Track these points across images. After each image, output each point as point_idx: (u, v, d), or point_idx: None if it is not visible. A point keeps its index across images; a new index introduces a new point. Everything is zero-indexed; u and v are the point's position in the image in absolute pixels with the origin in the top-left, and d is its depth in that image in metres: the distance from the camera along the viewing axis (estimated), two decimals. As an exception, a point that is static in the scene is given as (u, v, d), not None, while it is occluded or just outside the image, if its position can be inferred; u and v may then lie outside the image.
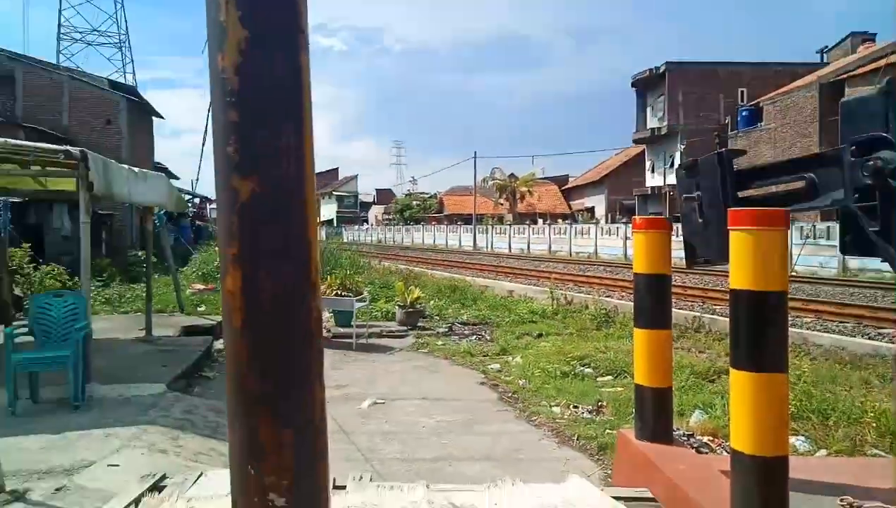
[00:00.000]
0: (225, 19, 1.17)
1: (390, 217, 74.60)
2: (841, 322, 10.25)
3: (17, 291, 11.19)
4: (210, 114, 1.25)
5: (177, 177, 28.64)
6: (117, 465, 4.12)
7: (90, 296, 7.45)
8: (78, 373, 5.52)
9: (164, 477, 3.21)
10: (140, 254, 16.39)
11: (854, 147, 2.53)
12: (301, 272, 1.18)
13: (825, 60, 37.48)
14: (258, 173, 1.16)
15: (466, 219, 52.78)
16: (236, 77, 1.16)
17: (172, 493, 2.92)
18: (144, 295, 10.04)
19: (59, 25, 55.80)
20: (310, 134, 1.24)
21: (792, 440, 4.60)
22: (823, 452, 4.46)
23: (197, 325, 10.22)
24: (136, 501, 2.88)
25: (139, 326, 9.48)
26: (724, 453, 3.84)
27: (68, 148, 6.33)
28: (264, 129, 1.17)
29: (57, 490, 3.74)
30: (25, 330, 5.94)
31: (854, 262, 19.52)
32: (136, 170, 8.00)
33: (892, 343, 8.24)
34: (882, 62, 25.06)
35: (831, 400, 5.25)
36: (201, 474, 3.21)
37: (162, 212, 11.20)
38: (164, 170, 28.63)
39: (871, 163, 2.42)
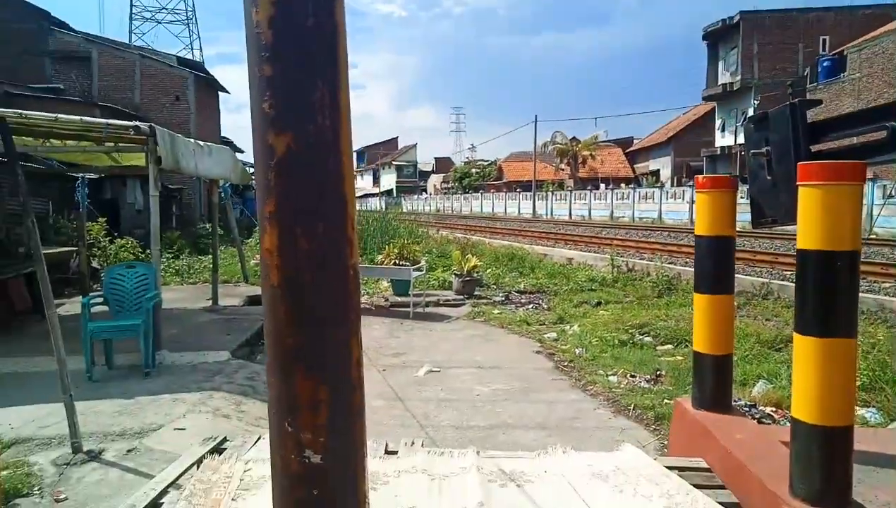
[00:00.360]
0: (259, -28, 1.15)
1: (449, 185, 74.59)
2: (924, 288, 9.63)
3: (95, 263, 11.81)
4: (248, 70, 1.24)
5: (241, 151, 29.43)
6: (183, 429, 4.32)
7: (160, 268, 7.79)
8: (148, 341, 5.80)
9: (224, 440, 3.34)
10: (208, 226, 16.97)
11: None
12: (337, 229, 1.16)
13: (921, 2, 34.62)
14: (293, 129, 1.14)
15: (526, 186, 52.14)
16: (270, 31, 1.15)
17: (231, 455, 3.04)
18: (211, 266, 10.43)
19: (132, 6, 57.95)
20: (345, 88, 1.22)
21: (863, 411, 4.38)
22: (897, 424, 4.22)
23: (260, 295, 10.53)
24: (198, 462, 3.01)
25: (206, 296, 9.87)
26: (788, 424, 3.69)
27: (138, 123, 6.56)
28: (299, 84, 1.15)
29: (129, 451, 3.96)
30: (101, 299, 6.25)
31: (941, 225, 18.27)
32: (201, 144, 8.24)
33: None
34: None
35: (909, 370, 4.96)
36: (259, 437, 3.33)
37: (227, 185, 11.54)
38: (230, 143, 29.47)
39: (961, 109, 2.21)
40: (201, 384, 5.40)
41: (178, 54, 29.75)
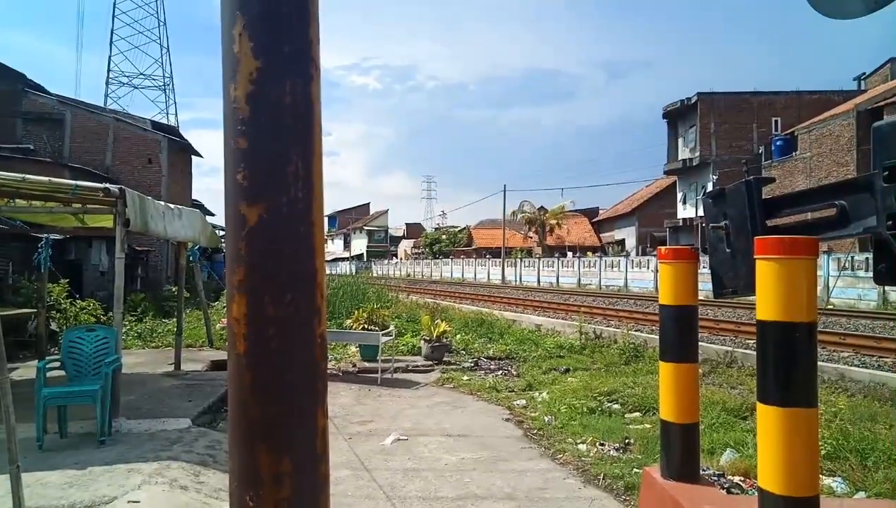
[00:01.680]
0: (238, 50, 1.20)
1: (419, 250, 74.96)
2: (881, 356, 9.88)
3: (54, 326, 11.45)
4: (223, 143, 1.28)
5: (213, 214, 29.33)
6: (138, 501, 4.13)
7: (122, 331, 7.59)
8: (105, 408, 5.59)
9: (183, 511, 3.20)
10: (174, 288, 16.68)
11: (886, 172, 2.45)
12: (307, 299, 1.17)
13: (863, 87, 36.98)
14: (266, 200, 1.17)
15: (496, 253, 52.72)
16: (247, 106, 1.19)
17: (190, 527, 2.90)
18: (175, 329, 10.19)
19: (108, 70, 58.59)
20: (319, 161, 1.26)
21: (828, 481, 4.40)
22: (862, 494, 4.24)
23: (225, 360, 10.26)
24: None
25: (169, 360, 9.60)
26: (755, 493, 3.68)
27: (108, 185, 6.54)
28: (273, 157, 1.18)
29: (78, 523, 3.75)
30: (58, 363, 6.04)
31: (895, 294, 18.91)
32: (171, 206, 8.21)
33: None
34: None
35: (870, 440, 5.02)
36: (220, 509, 3.19)
37: (196, 248, 11.44)
38: (201, 206, 29.40)
39: (905, 188, 2.34)
40: (159, 453, 5.19)
41: (152, 118, 29.96)
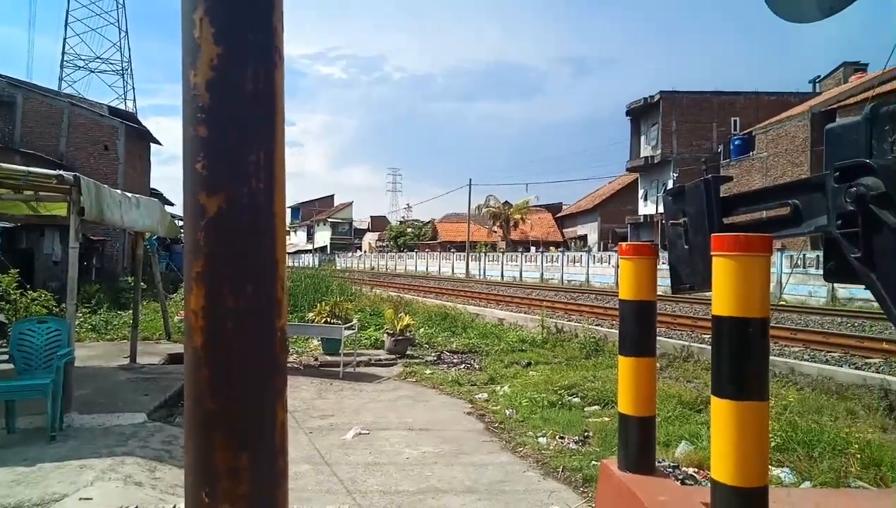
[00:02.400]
0: (199, 36, 1.17)
1: (384, 244, 74.66)
2: (828, 351, 10.25)
3: (2, 317, 11.05)
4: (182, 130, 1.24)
5: (172, 203, 28.68)
6: (90, 498, 4.02)
7: (75, 323, 7.37)
8: (57, 402, 5.42)
9: (137, 508, 3.13)
10: (130, 279, 16.26)
11: (837, 173, 2.53)
12: (267, 291, 1.16)
13: (817, 90, 38.17)
14: (226, 190, 1.14)
15: (460, 247, 52.85)
16: (207, 93, 1.16)
17: (145, 524, 2.84)
18: (131, 321, 9.94)
19: (63, 53, 56.55)
20: (281, 151, 1.24)
21: (777, 471, 4.55)
22: (808, 484, 4.40)
23: (182, 353, 10.08)
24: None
25: (124, 353, 9.37)
26: (709, 484, 3.78)
27: (61, 172, 6.33)
28: (234, 146, 1.16)
29: (27, 522, 3.64)
30: (6, 357, 5.84)
31: (843, 291, 19.63)
32: (129, 195, 7.99)
33: (879, 373, 8.22)
34: (872, 92, 25.54)
35: (817, 431, 5.22)
36: (174, 507, 3.13)
37: (154, 238, 11.16)
38: (159, 195, 28.70)
39: (854, 189, 2.41)
40: (113, 448, 5.06)
41: (110, 104, 29.09)
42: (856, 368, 8.74)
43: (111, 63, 58.00)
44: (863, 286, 2.53)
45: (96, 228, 17.87)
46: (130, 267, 19.04)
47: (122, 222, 7.62)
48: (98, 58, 57.63)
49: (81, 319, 12.75)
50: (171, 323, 11.87)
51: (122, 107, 43.42)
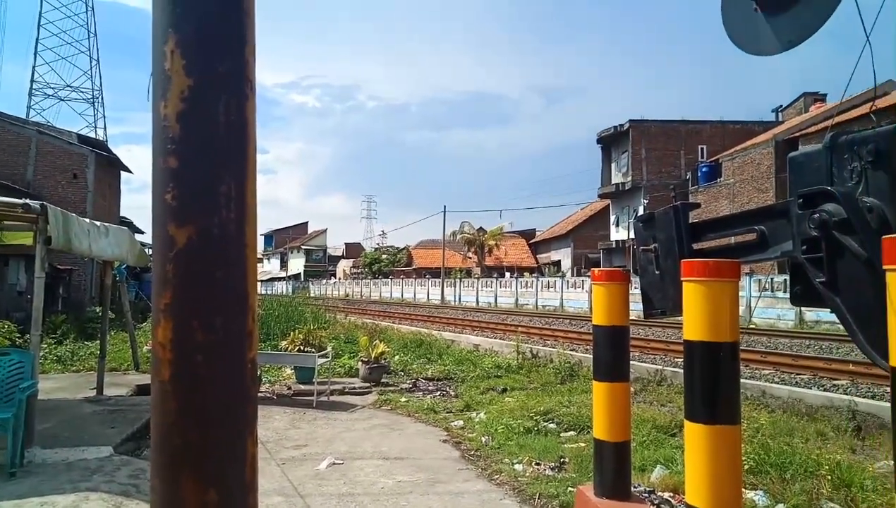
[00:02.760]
0: (170, 67, 1.17)
1: (359, 270, 74.30)
2: (798, 373, 10.42)
3: (-38, 348, 10.70)
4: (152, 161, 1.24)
5: (142, 232, 28.23)
6: (54, 535, 3.87)
7: (39, 354, 7.16)
8: (18, 437, 5.24)
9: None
10: (98, 309, 15.90)
11: (801, 200, 2.60)
12: (237, 323, 1.14)
13: (780, 119, 39.37)
14: (196, 221, 1.14)
15: (435, 273, 52.85)
16: (178, 124, 1.16)
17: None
18: (98, 352, 9.70)
19: (32, 81, 55.81)
20: (253, 182, 1.23)
21: (751, 494, 4.58)
22: (781, 506, 4.44)
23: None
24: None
25: (91, 385, 9.11)
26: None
27: (27, 201, 6.21)
28: (204, 177, 1.16)
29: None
30: (-35, 389, 5.64)
31: (810, 314, 20.02)
32: (97, 223, 7.86)
33: (846, 394, 8.37)
34: (832, 121, 26.41)
35: (788, 453, 5.27)
36: (143, 541, 3.04)
37: (123, 267, 10.96)
38: (130, 224, 28.29)
39: (817, 215, 2.48)
40: (77, 484, 4.89)
41: (79, 132, 28.69)
42: (824, 390, 8.89)
43: (81, 91, 57.41)
44: (828, 309, 2.59)
45: (63, 257, 17.50)
46: (98, 297, 18.64)
47: (90, 251, 7.48)
48: (68, 86, 57.04)
49: (46, 350, 12.39)
50: (140, 353, 11.61)
51: (92, 134, 42.84)
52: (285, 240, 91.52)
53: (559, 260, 52.83)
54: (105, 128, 56.77)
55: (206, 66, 1.15)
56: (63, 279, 19.68)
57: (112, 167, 26.16)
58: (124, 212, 29.59)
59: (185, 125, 1.15)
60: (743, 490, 3.95)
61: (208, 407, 1.08)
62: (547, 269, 50.64)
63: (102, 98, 59.02)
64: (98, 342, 10.81)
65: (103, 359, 9.25)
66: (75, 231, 6.66)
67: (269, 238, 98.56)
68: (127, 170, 27.96)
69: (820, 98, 36.85)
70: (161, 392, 1.09)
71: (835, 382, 9.56)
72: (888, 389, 8.06)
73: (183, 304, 1.11)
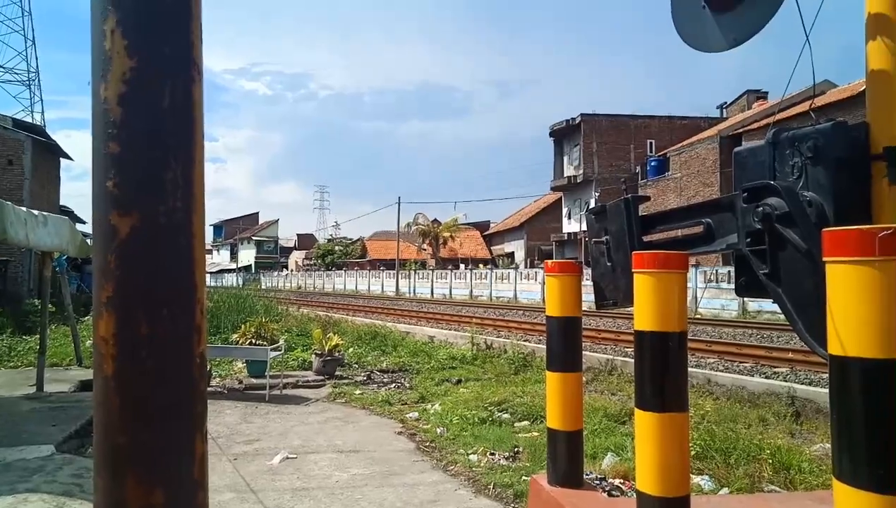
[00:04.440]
0: (110, 48, 1.12)
1: (312, 262, 73.40)
2: (741, 362, 10.80)
3: None
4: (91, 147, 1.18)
5: (83, 221, 27.17)
6: (-11, 538, 3.71)
7: (-28, 349, 6.82)
8: (-50, 435, 4.99)
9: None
10: (37, 302, 15.25)
11: (746, 194, 2.67)
12: (185, 316, 1.10)
13: (724, 115, 40.60)
14: (140, 209, 1.09)
15: (390, 265, 52.66)
16: (119, 108, 1.10)
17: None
18: (38, 347, 9.31)
19: (-38, 61, 52.80)
20: (200, 169, 1.19)
21: (697, 479, 4.73)
22: (726, 490, 4.60)
23: (95, 379, 9.53)
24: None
25: (30, 381, 8.74)
26: (634, 495, 3.88)
27: (-46, 188, 5.88)
28: (149, 163, 1.11)
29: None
30: None
31: (753, 305, 20.77)
32: (35, 212, 7.53)
33: (786, 381, 8.73)
34: (773, 118, 27.33)
35: (732, 439, 5.46)
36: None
37: (63, 258, 10.54)
38: (70, 213, 27.21)
39: (761, 208, 2.56)
40: (14, 485, 4.69)
41: (14, 116, 27.36)
42: (766, 377, 9.25)
43: (16, 73, 54.58)
44: (771, 300, 2.68)
45: (-1, 248, 16.73)
46: (37, 290, 17.88)
47: (27, 241, 7.16)
48: (1, 67, 54.20)
49: (-20, 346, 11.84)
50: (83, 348, 11.19)
51: (28, 119, 40.92)
52: (235, 230, 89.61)
53: (513, 252, 53.35)
54: (42, 113, 54.17)
55: (149, 46, 1.10)
56: (-1, 271, 18.82)
57: (50, 153, 25.09)
58: (64, 200, 28.48)
59: (128, 109, 1.09)
60: (690, 475, 4.08)
61: (154, 403, 1.04)
62: (501, 261, 51.08)
63: (39, 80, 56.34)
64: (37, 336, 10.37)
65: (43, 355, 8.88)
66: (10, 220, 6.37)
67: (218, 228, 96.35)
68: (67, 156, 26.88)
69: (762, 95, 38.20)
70: (104, 388, 1.04)
71: (775, 370, 9.95)
72: (825, 376, 8.45)
73: (126, 297, 1.06)
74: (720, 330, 16.78)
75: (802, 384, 8.45)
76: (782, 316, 2.63)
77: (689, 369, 7.97)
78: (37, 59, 63.79)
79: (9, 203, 6.63)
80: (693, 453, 5.06)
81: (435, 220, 58.34)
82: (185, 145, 1.15)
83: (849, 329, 1.47)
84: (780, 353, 11.28)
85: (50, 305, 9.90)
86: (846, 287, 1.49)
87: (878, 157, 2.28)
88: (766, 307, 19.50)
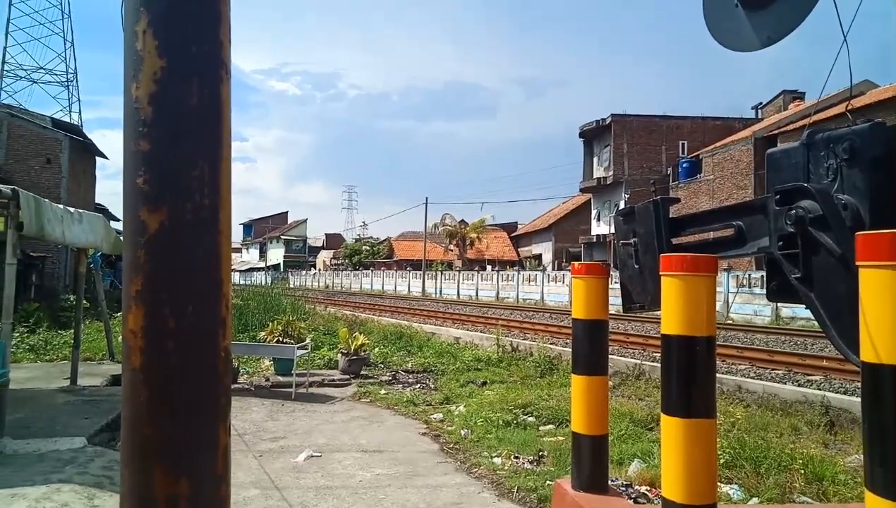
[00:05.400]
0: (142, 48, 1.14)
1: (339, 262, 73.97)
2: (773, 369, 10.57)
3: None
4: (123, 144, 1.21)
5: (117, 219, 27.80)
6: (23, 527, 3.81)
7: (11, 343, 7.02)
8: (-11, 426, 5.14)
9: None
10: (72, 298, 15.63)
11: (778, 196, 2.61)
12: (211, 310, 1.12)
13: (759, 116, 39.82)
14: (168, 206, 1.11)
15: (416, 265, 52.80)
16: (150, 107, 1.13)
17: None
18: (72, 341, 9.55)
19: (3, 62, 54.42)
20: (227, 167, 1.21)
21: (726, 488, 4.64)
22: (755, 500, 4.50)
23: (127, 373, 9.73)
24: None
25: (64, 375, 8.97)
26: (660, 503, 3.82)
27: (-2, 185, 6.06)
28: (177, 161, 1.13)
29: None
30: (-67, 378, 5.51)
31: (786, 310, 20.33)
32: (71, 210, 7.72)
33: (820, 389, 8.52)
34: (809, 119, 26.75)
35: (763, 448, 5.34)
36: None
37: (97, 254, 10.79)
38: (105, 211, 27.84)
39: (794, 211, 2.50)
40: (48, 475, 4.81)
41: (53, 116, 28.12)
42: (798, 385, 9.03)
43: (55, 74, 56.10)
44: (803, 305, 2.62)
45: (36, 244, 17.19)
46: (73, 285, 18.33)
47: (63, 238, 7.34)
48: (41, 68, 55.72)
49: (18, 339, 12.18)
50: (115, 342, 11.44)
51: (66, 119, 42.02)
52: (264, 229, 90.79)
53: (540, 254, 53.06)
54: (80, 113, 55.60)
55: (178, 46, 1.12)
56: (36, 267, 19.35)
57: (87, 152, 25.72)
58: (99, 198, 29.17)
59: (158, 107, 1.12)
60: (718, 483, 4.00)
61: (180, 395, 1.06)
62: (528, 263, 50.86)
63: (77, 81, 57.88)
64: (72, 331, 10.64)
65: (77, 349, 9.10)
66: (48, 217, 6.54)
67: (248, 227, 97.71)
68: (102, 155, 27.53)
69: (798, 96, 37.37)
70: (132, 380, 1.07)
71: (809, 378, 9.72)
72: (859, 385, 8.22)
73: (154, 291, 1.08)
74: (752, 336, 16.45)
75: (837, 393, 8.24)
76: (816, 323, 2.56)
77: (720, 375, 7.84)
78: (75, 60, 65.55)
79: (46, 200, 6.80)
80: (722, 461, 4.97)
81: (462, 221, 58.33)
82: (213, 143, 1.17)
83: (882, 335, 1.43)
84: (814, 361, 11.01)
85: (84, 301, 10.14)
86: (880, 292, 1.45)
87: (916, 160, 2.21)
88: (800, 313, 19.06)
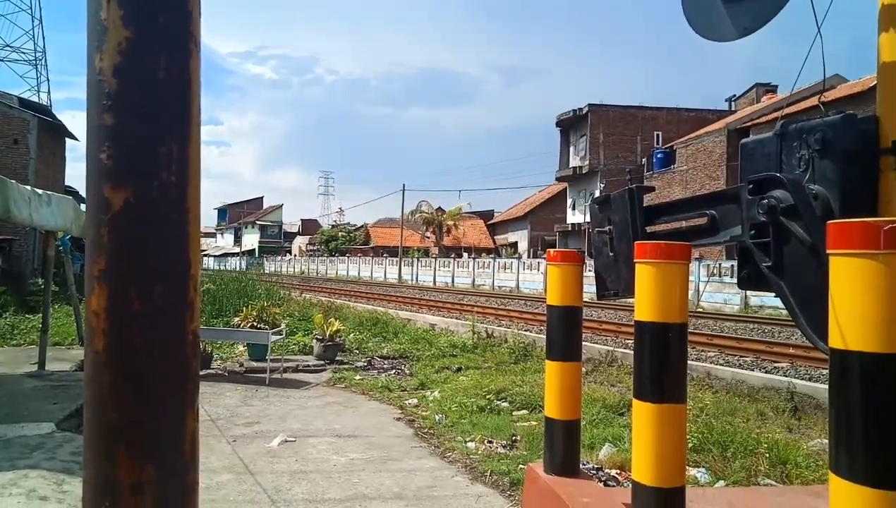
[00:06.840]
0: (106, 17, 1.10)
1: (315, 248, 73.46)
2: (741, 356, 10.79)
3: None
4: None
5: (86, 202, 27.20)
6: (-12, 513, 3.73)
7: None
8: (-49, 410, 5.02)
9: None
10: (40, 281, 15.30)
11: (751, 185, 2.64)
12: (178, 291, 1.09)
13: (733, 108, 40.32)
14: (134, 183, 1.07)
15: (393, 252, 52.69)
16: (114, 79, 1.08)
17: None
18: (41, 326, 9.35)
19: (-34, 40, 52.63)
20: (196, 145, 1.17)
21: (694, 472, 4.73)
22: (722, 483, 4.60)
23: (97, 358, 9.56)
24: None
25: (32, 360, 8.79)
26: (630, 485, 3.88)
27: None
28: (143, 136, 1.09)
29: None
30: None
31: (755, 299, 20.74)
32: (39, 192, 7.53)
33: (786, 376, 8.73)
34: (782, 112, 27.16)
35: (730, 432, 5.45)
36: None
37: (67, 237, 10.56)
38: (75, 193, 27.19)
39: (766, 201, 2.53)
40: (15, 461, 4.72)
41: (21, 95, 27.31)
42: (766, 372, 9.23)
43: (23, 52, 54.37)
44: (773, 294, 2.66)
45: (3, 226, 16.77)
46: (41, 269, 17.94)
47: (31, 220, 7.17)
48: (8, 46, 53.98)
49: (-17, 323, 11.90)
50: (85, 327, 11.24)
51: (34, 99, 40.85)
52: (240, 214, 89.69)
53: (516, 242, 53.30)
54: (49, 93, 54.02)
55: (145, 16, 1.08)
56: (3, 249, 18.89)
57: (56, 133, 25.09)
58: (69, 181, 28.50)
59: (123, 80, 1.08)
60: (686, 467, 4.08)
61: (145, 379, 1.03)
62: (504, 251, 51.09)
63: (46, 60, 56.15)
64: (40, 315, 10.42)
65: (45, 333, 8.92)
66: (14, 198, 6.37)
67: (222, 212, 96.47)
68: (72, 136, 26.87)
69: (771, 89, 37.92)
70: (94, 363, 1.03)
71: (776, 365, 9.94)
72: (825, 372, 8.43)
73: (119, 271, 1.05)
74: (722, 324, 16.75)
75: (802, 379, 8.44)
76: (784, 312, 2.61)
77: (690, 362, 7.98)
78: (44, 38, 63.77)
79: (12, 181, 6.63)
80: (690, 445, 5.06)
81: (439, 208, 58.30)
82: (181, 119, 1.13)
83: (851, 322, 1.46)
84: (781, 348, 11.26)
85: (53, 285, 9.93)
86: (849, 279, 1.47)
87: (886, 151, 2.24)
88: (768, 302, 19.46)
